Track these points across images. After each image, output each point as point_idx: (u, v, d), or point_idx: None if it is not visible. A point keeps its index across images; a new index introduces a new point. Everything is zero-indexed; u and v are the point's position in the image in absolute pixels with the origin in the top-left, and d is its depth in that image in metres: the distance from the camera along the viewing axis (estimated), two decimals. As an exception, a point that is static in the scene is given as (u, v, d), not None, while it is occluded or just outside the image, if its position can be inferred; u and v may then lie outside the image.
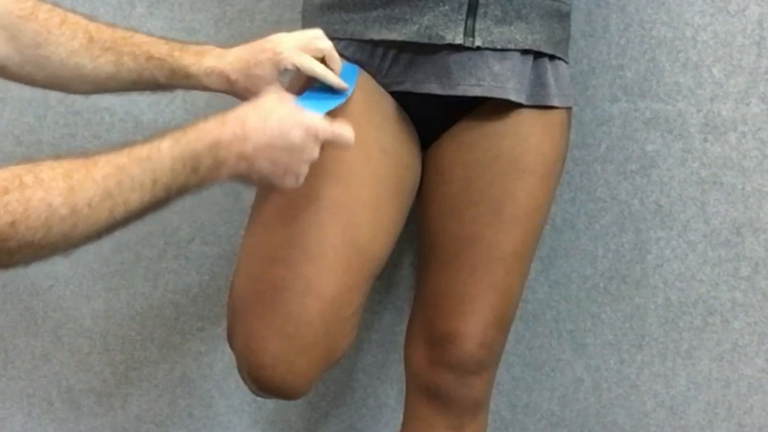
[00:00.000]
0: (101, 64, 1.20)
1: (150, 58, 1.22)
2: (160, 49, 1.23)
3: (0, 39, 1.17)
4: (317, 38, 1.26)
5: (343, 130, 1.15)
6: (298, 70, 1.25)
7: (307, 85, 1.27)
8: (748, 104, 1.57)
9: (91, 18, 1.23)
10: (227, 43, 1.67)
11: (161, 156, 1.02)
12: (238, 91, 1.23)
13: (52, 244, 0.95)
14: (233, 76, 1.23)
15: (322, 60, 1.26)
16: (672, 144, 1.60)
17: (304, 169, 1.13)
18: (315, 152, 1.13)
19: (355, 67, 1.33)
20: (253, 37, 1.67)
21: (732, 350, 1.63)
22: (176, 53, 1.23)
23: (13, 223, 0.91)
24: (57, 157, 0.98)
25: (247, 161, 1.08)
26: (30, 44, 1.18)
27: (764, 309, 1.61)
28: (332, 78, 1.25)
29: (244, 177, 1.10)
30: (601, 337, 1.68)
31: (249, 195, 1.39)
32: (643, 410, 1.68)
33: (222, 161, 1.06)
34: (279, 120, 1.09)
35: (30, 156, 1.73)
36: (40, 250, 0.95)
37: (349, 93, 1.29)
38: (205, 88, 1.25)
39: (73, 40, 1.19)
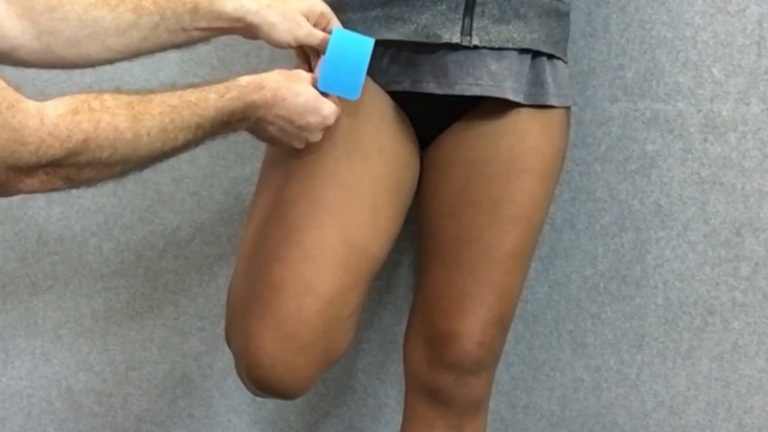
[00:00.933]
0: (120, 13, 1.18)
1: None
2: None
3: (12, 15, 1.15)
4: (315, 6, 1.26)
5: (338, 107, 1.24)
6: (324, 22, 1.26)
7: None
8: (748, 104, 1.57)
9: None
10: (227, 43, 1.68)
11: (207, 105, 1.11)
12: (272, 15, 1.21)
13: (114, 164, 1.05)
14: (266, 1, 1.21)
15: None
16: (672, 144, 1.60)
17: (301, 144, 1.24)
18: (318, 137, 1.23)
19: (370, 40, 1.25)
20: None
21: (732, 350, 1.63)
22: None
23: (85, 140, 1.00)
24: (117, 89, 1.08)
25: (264, 123, 1.19)
26: (45, 10, 1.16)
27: (764, 309, 1.61)
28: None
29: (253, 131, 1.21)
30: (601, 337, 1.68)
31: (249, 195, 1.39)
32: (643, 410, 1.67)
33: (247, 118, 1.17)
34: (305, 101, 1.19)
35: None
36: (105, 168, 1.04)
37: (363, 70, 1.24)
38: (234, 13, 1.20)
39: None
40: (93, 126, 1.01)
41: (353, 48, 1.24)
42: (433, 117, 1.38)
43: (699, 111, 1.59)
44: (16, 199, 1.73)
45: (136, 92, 1.08)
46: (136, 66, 1.69)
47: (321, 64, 1.23)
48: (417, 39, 1.29)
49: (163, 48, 1.23)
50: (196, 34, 1.22)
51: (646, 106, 1.61)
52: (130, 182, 1.73)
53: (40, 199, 1.74)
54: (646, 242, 1.63)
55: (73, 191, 1.73)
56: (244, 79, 1.16)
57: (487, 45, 1.30)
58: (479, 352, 1.37)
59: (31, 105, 0.98)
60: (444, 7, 1.28)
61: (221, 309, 1.35)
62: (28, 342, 1.81)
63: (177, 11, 1.20)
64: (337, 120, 1.25)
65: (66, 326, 1.80)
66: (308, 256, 1.24)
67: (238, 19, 1.21)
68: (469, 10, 1.29)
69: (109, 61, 1.22)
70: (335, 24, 1.26)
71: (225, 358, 1.75)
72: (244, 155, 1.70)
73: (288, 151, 1.28)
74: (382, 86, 1.34)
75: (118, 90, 1.07)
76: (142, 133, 1.05)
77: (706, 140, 1.59)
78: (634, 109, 1.61)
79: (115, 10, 1.18)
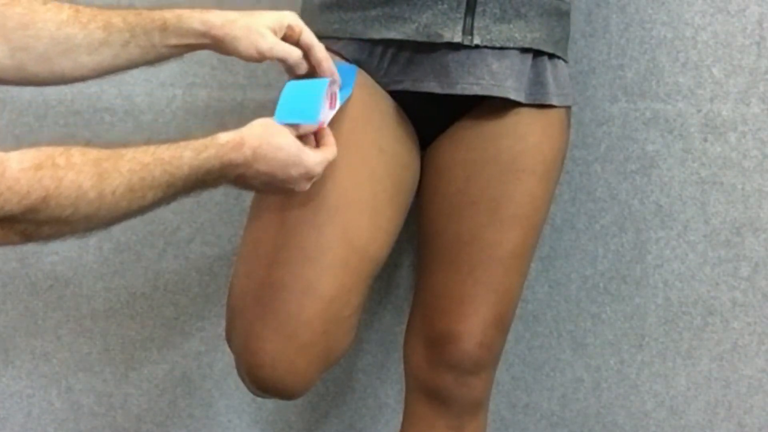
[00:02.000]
0: (91, 30, 1.17)
1: (139, 14, 1.20)
2: (151, 9, 1.21)
3: None
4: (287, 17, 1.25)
5: (333, 152, 1.22)
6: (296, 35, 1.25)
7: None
8: (748, 104, 1.57)
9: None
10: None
11: (181, 163, 1.08)
12: (237, 29, 1.21)
13: (75, 223, 1.01)
14: (232, 16, 1.21)
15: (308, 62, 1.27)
16: (672, 144, 1.60)
17: (288, 194, 1.22)
18: (305, 186, 1.20)
19: (354, 67, 1.33)
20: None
21: (732, 350, 1.63)
22: (166, 8, 1.22)
23: (45, 198, 0.97)
24: (87, 143, 1.04)
25: (245, 179, 1.16)
26: (17, 27, 1.16)
27: (764, 309, 1.61)
28: (324, 54, 1.24)
29: (235, 185, 1.18)
30: (601, 337, 1.68)
31: (249, 195, 1.39)
32: (643, 410, 1.68)
33: (225, 176, 1.14)
34: (286, 156, 1.16)
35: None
36: (64, 226, 1.01)
37: (348, 94, 1.29)
38: (201, 28, 1.21)
39: (59, 14, 1.17)
40: (55, 183, 0.98)
41: (309, 85, 1.24)
42: (433, 117, 1.38)
43: (699, 111, 1.59)
44: (16, 199, 1.73)
45: (108, 146, 1.05)
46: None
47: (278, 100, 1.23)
48: (418, 38, 1.29)
49: (136, 65, 1.23)
50: (165, 50, 1.22)
51: (646, 106, 1.61)
52: (83, 141, 1.73)
53: (40, 199, 1.74)
54: (646, 242, 1.63)
55: (73, 191, 1.74)
56: (223, 137, 1.13)
57: (488, 44, 1.30)
58: (479, 353, 1.37)
59: None
60: (445, 6, 1.28)
61: (221, 309, 1.35)
62: (28, 342, 1.81)
63: (146, 28, 1.20)
64: (338, 120, 1.26)
65: (66, 326, 1.80)
66: (308, 256, 1.24)
67: (204, 34, 1.21)
68: (470, 10, 1.29)
69: (83, 78, 1.22)
70: (306, 36, 1.24)
71: (225, 358, 1.75)
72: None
73: None
74: (383, 86, 1.34)
75: (88, 144, 1.04)
76: (107, 192, 1.02)
77: (706, 140, 1.59)
78: (634, 109, 1.61)
79: (86, 27, 1.17)
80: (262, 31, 1.21)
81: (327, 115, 1.23)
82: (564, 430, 1.72)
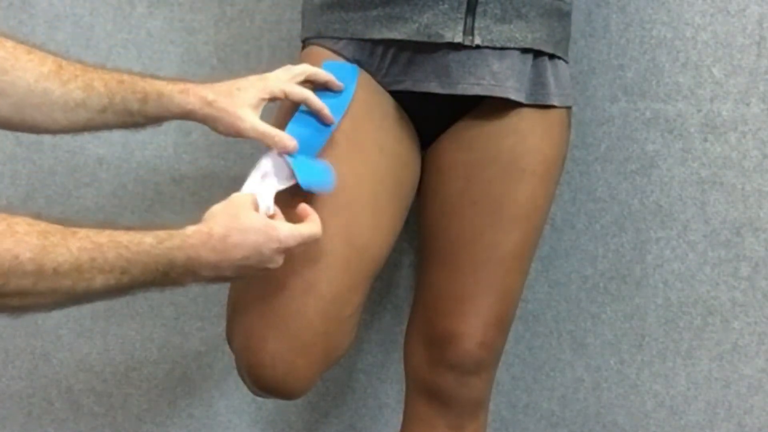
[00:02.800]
0: (70, 89, 1.15)
1: (121, 82, 1.18)
2: (133, 75, 1.20)
3: None
4: (291, 66, 1.28)
5: (309, 230, 1.16)
6: (285, 99, 1.25)
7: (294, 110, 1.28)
8: (748, 104, 1.57)
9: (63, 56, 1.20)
10: (227, 44, 1.68)
11: (140, 250, 1.02)
12: (215, 111, 1.21)
13: (6, 296, 0.94)
14: (210, 96, 1.20)
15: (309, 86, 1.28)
16: (672, 144, 1.60)
17: (263, 273, 1.15)
18: (280, 261, 1.15)
19: (355, 67, 1.33)
20: (253, 38, 1.68)
21: (732, 350, 1.63)
22: (149, 78, 1.21)
23: None
24: (38, 215, 0.98)
25: (217, 270, 1.10)
26: None
27: (764, 309, 1.61)
28: (319, 104, 1.25)
29: (204, 281, 1.11)
30: (601, 337, 1.68)
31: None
32: (643, 410, 1.68)
33: (193, 271, 1.08)
34: (255, 237, 1.11)
35: (30, 156, 1.74)
36: None
37: (350, 95, 1.30)
38: (180, 110, 1.21)
39: (41, 66, 1.14)
40: None
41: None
42: (434, 117, 1.38)
43: (699, 111, 1.59)
44: (15, 199, 1.73)
45: (65, 221, 0.99)
46: (136, 66, 1.70)
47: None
48: (419, 38, 1.29)
49: (110, 128, 1.21)
50: (142, 120, 1.21)
51: (646, 106, 1.61)
52: (131, 182, 1.73)
53: (39, 199, 1.74)
54: (646, 242, 1.63)
55: (73, 192, 1.74)
56: (189, 229, 1.08)
57: (489, 45, 1.30)
58: (480, 353, 1.37)
59: None
60: (446, 6, 1.28)
61: (221, 309, 1.34)
62: (28, 342, 1.81)
63: (126, 98, 1.18)
64: (339, 120, 1.26)
65: (66, 326, 1.80)
66: (309, 256, 1.23)
67: (183, 115, 1.21)
68: (471, 10, 1.29)
69: (53, 132, 1.19)
70: (295, 96, 1.24)
71: (225, 358, 1.75)
72: (244, 155, 1.70)
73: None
74: (384, 86, 1.34)
75: (38, 216, 0.98)
76: (48, 267, 0.94)
77: (706, 140, 1.59)
78: (634, 109, 1.61)
79: (65, 85, 1.15)
80: (240, 113, 1.20)
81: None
82: (564, 430, 1.72)
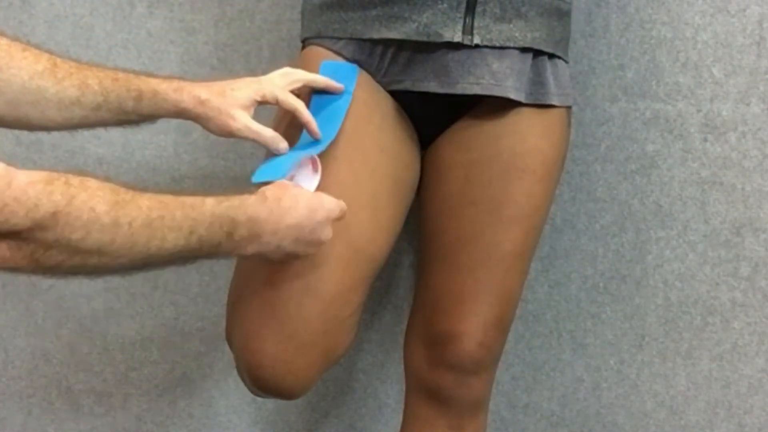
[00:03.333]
0: (65, 87, 1.16)
1: (116, 80, 1.19)
2: (128, 73, 1.21)
3: None
4: (290, 71, 1.29)
5: (343, 206, 1.20)
6: (276, 105, 1.27)
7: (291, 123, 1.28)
8: (748, 104, 1.57)
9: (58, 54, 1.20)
10: (227, 44, 1.68)
11: (204, 209, 1.05)
12: (208, 110, 1.22)
13: (86, 252, 0.95)
14: (204, 96, 1.22)
15: (308, 97, 1.29)
16: (672, 144, 1.60)
17: (315, 250, 1.18)
18: (330, 234, 1.18)
19: (355, 66, 1.33)
20: (253, 38, 1.68)
21: (732, 350, 1.63)
22: (143, 76, 1.22)
23: (54, 214, 0.91)
24: (106, 178, 0.99)
25: (277, 238, 1.12)
26: None
27: (764, 309, 1.61)
28: (308, 116, 1.25)
29: (268, 253, 1.13)
30: (601, 337, 1.68)
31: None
32: (643, 410, 1.68)
33: (256, 235, 1.10)
34: (307, 201, 1.14)
35: (30, 156, 1.74)
36: (74, 254, 0.94)
37: (349, 96, 1.30)
38: (174, 108, 1.22)
39: (36, 63, 1.14)
40: (66, 200, 0.91)
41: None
42: (433, 116, 1.38)
43: (699, 111, 1.59)
44: (16, 199, 1.73)
45: (125, 185, 1.00)
46: (136, 66, 1.70)
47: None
48: (418, 38, 1.29)
49: (105, 126, 1.22)
50: (136, 118, 1.22)
51: (646, 106, 1.61)
52: (130, 182, 1.73)
53: (40, 199, 1.74)
54: (646, 242, 1.63)
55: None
56: (248, 191, 1.11)
57: (489, 44, 1.30)
58: (479, 352, 1.37)
59: (0, 167, 0.90)
60: (445, 6, 1.28)
61: (221, 309, 1.34)
62: (28, 342, 1.81)
63: (121, 96, 1.18)
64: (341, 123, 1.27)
65: (66, 326, 1.80)
66: (308, 256, 1.23)
67: (177, 113, 1.22)
68: (470, 9, 1.29)
69: (49, 130, 1.20)
70: (286, 103, 1.25)
71: (225, 358, 1.75)
72: (244, 155, 1.70)
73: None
74: (383, 85, 1.34)
75: (107, 179, 0.98)
76: (123, 221, 0.96)
77: (706, 140, 1.59)
78: (634, 109, 1.61)
79: (60, 83, 1.15)
80: (233, 112, 1.22)
81: (312, 180, 1.23)
82: (564, 430, 1.72)
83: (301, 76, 1.29)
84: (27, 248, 0.92)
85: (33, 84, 1.14)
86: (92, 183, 0.95)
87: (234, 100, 1.23)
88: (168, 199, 1.02)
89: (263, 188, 1.14)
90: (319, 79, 1.30)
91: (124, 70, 1.21)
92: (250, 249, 1.11)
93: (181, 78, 1.25)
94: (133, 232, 0.97)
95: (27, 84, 1.14)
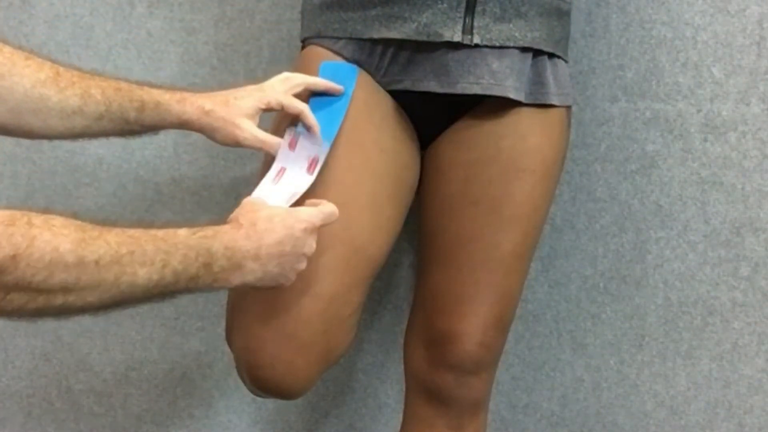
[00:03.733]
0: (67, 96, 1.15)
1: (119, 90, 1.18)
2: (130, 83, 1.21)
3: None
4: (290, 76, 1.29)
5: (329, 208, 1.17)
6: (281, 110, 1.27)
7: (291, 123, 1.28)
8: (748, 104, 1.57)
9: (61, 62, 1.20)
10: (227, 44, 1.68)
11: (176, 241, 1.02)
12: (213, 121, 1.22)
13: (49, 292, 0.92)
14: (208, 106, 1.22)
15: (307, 99, 1.29)
16: (672, 144, 1.60)
17: (303, 265, 1.15)
18: (313, 245, 1.15)
19: (355, 67, 1.33)
20: (253, 38, 1.68)
21: (732, 350, 1.63)
22: (147, 87, 1.21)
23: (14, 257, 0.87)
24: (74, 214, 0.97)
25: (260, 264, 1.09)
26: None
27: (764, 309, 1.61)
28: (312, 120, 1.25)
29: (256, 282, 1.10)
30: (601, 337, 1.68)
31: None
32: (643, 410, 1.67)
33: (237, 265, 1.07)
34: (282, 218, 1.11)
35: (30, 156, 1.74)
36: (37, 295, 0.91)
37: (348, 97, 1.30)
38: (177, 119, 1.22)
39: (39, 72, 1.14)
40: (27, 242, 0.88)
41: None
42: (433, 116, 1.38)
43: (699, 111, 1.59)
44: (15, 199, 1.73)
45: (92, 221, 0.97)
46: (136, 66, 1.70)
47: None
48: (418, 38, 1.29)
49: (107, 136, 1.21)
50: (139, 128, 1.22)
51: (646, 106, 1.61)
52: (130, 182, 1.73)
53: (39, 199, 1.74)
54: (646, 242, 1.63)
55: (73, 192, 1.74)
56: (219, 223, 1.09)
57: (488, 44, 1.30)
58: (479, 353, 1.37)
59: None
60: (445, 5, 1.28)
61: (221, 309, 1.35)
62: (28, 342, 1.81)
63: (123, 106, 1.18)
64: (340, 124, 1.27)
65: (66, 326, 1.80)
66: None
67: (181, 125, 1.22)
68: (470, 9, 1.29)
69: (51, 138, 1.19)
70: (291, 107, 1.25)
71: (225, 358, 1.75)
72: (244, 155, 1.70)
73: None
74: (383, 85, 1.34)
75: (73, 215, 0.95)
76: (89, 259, 0.92)
77: (706, 140, 1.59)
78: (634, 109, 1.61)
79: (62, 92, 1.15)
80: (238, 121, 1.22)
81: (305, 180, 1.22)
82: (564, 430, 1.72)
83: (301, 80, 1.29)
84: None
85: (35, 92, 1.14)
86: (57, 221, 0.92)
87: (238, 109, 1.23)
88: (138, 233, 0.99)
89: (235, 215, 1.11)
90: (320, 83, 1.30)
91: (127, 80, 1.21)
92: (234, 280, 1.08)
93: (184, 89, 1.24)
94: (100, 270, 0.94)
95: (29, 92, 1.13)
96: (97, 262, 0.93)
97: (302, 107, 1.25)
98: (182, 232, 1.03)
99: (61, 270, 0.91)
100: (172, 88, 1.24)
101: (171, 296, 1.04)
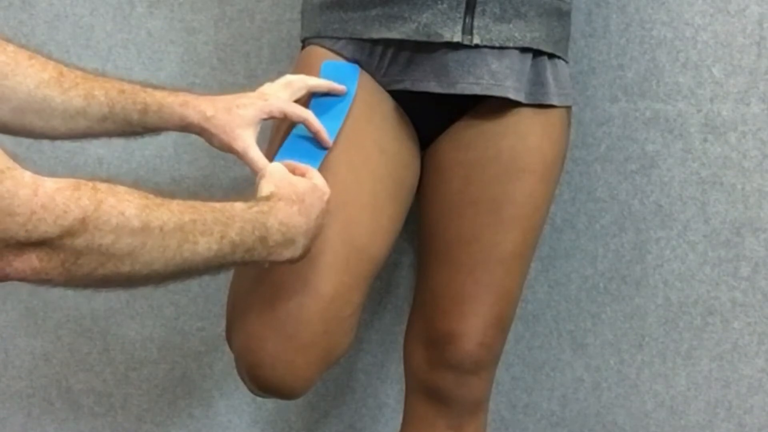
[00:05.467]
0: (71, 97, 1.16)
1: (122, 91, 1.19)
2: (134, 85, 1.21)
3: None
4: (292, 80, 1.29)
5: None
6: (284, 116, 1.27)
7: (291, 128, 1.29)
8: (748, 104, 1.57)
9: (64, 62, 1.20)
10: (227, 44, 1.68)
11: (233, 213, 1.03)
12: (212, 127, 1.23)
13: (118, 257, 0.92)
14: (210, 112, 1.22)
15: (310, 99, 1.30)
16: (672, 144, 1.60)
17: (316, 239, 1.16)
18: (328, 210, 1.17)
19: (356, 66, 1.33)
20: (253, 38, 1.68)
21: (732, 350, 1.63)
22: (150, 89, 1.22)
23: (83, 220, 0.89)
24: (135, 183, 0.98)
25: (308, 239, 1.12)
26: None
27: (764, 309, 1.61)
28: (317, 126, 1.26)
29: (298, 258, 1.13)
30: (601, 337, 1.68)
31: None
32: (643, 410, 1.68)
33: (291, 240, 1.09)
34: (313, 192, 1.13)
35: (30, 156, 1.74)
36: (106, 260, 0.92)
37: (351, 97, 1.30)
38: (179, 123, 1.23)
39: (42, 72, 1.14)
40: (94, 205, 0.89)
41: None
42: (433, 116, 1.38)
43: (699, 111, 1.59)
44: (16, 199, 1.73)
45: (155, 190, 0.98)
46: (136, 66, 1.70)
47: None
48: (418, 38, 1.29)
49: (109, 136, 1.22)
50: (141, 130, 1.22)
51: (646, 106, 1.61)
52: (130, 182, 1.73)
53: (40, 199, 1.74)
54: (646, 242, 1.63)
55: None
56: (263, 196, 1.10)
57: (488, 44, 1.30)
58: (479, 353, 1.37)
59: (27, 175, 0.88)
60: (445, 5, 1.28)
61: (221, 309, 1.35)
62: (28, 342, 1.81)
63: (126, 108, 1.18)
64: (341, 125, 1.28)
65: (66, 326, 1.80)
66: (308, 256, 1.23)
67: (182, 128, 1.23)
68: (469, 9, 1.29)
69: (51, 138, 1.19)
70: (294, 115, 1.26)
71: (225, 358, 1.75)
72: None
73: None
74: (383, 85, 1.34)
75: (135, 183, 0.97)
76: (154, 225, 0.94)
77: (706, 140, 1.59)
78: (634, 109, 1.61)
79: (66, 93, 1.15)
80: (238, 132, 1.23)
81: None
82: (564, 430, 1.72)
83: (303, 84, 1.29)
84: (57, 258, 0.89)
85: (39, 93, 1.14)
86: (120, 188, 0.94)
87: (240, 118, 1.23)
88: (197, 204, 1.00)
89: (275, 188, 1.12)
90: (322, 84, 1.30)
91: (131, 82, 1.22)
92: (286, 254, 1.10)
93: (188, 91, 1.25)
94: (164, 236, 0.95)
95: (33, 92, 1.14)
96: (161, 228, 0.94)
97: (306, 115, 1.25)
98: (239, 205, 1.05)
99: (127, 234, 0.92)
100: (175, 90, 1.24)
101: (228, 267, 1.07)
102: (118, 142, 1.71)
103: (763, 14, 1.55)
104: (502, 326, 1.40)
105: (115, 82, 1.20)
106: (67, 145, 1.72)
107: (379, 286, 1.71)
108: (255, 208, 1.06)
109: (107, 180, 0.94)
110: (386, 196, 1.32)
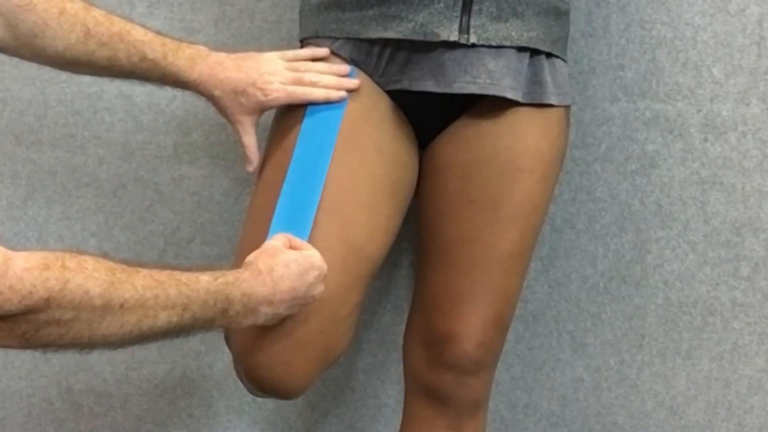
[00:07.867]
0: (96, 58, 1.24)
1: (144, 59, 1.26)
2: (155, 51, 1.27)
3: None
4: (299, 53, 1.35)
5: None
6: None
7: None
8: (748, 104, 1.57)
9: (89, 7, 1.26)
10: (227, 44, 1.68)
11: (198, 287, 1.06)
12: (218, 106, 1.32)
13: (76, 330, 0.96)
14: (217, 93, 1.30)
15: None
16: (672, 144, 1.60)
17: (309, 304, 1.20)
18: (322, 288, 1.19)
19: (352, 68, 1.33)
20: (253, 38, 1.68)
21: (732, 350, 1.63)
22: (170, 57, 1.28)
23: (48, 300, 0.92)
24: (104, 255, 1.02)
25: (273, 308, 1.14)
26: (27, 34, 1.21)
27: (764, 309, 1.60)
28: (322, 94, 1.30)
29: (265, 323, 1.16)
30: (601, 337, 1.68)
31: (248, 195, 1.39)
32: (643, 410, 1.67)
33: (252, 310, 1.12)
34: (298, 264, 1.15)
35: (30, 156, 1.74)
36: (66, 332, 0.96)
37: (345, 101, 1.30)
38: (192, 91, 1.32)
39: (70, 33, 1.21)
40: (60, 285, 0.93)
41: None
42: (431, 116, 1.38)
43: (699, 111, 1.59)
44: (16, 198, 1.73)
45: (124, 261, 1.03)
46: (136, 66, 1.69)
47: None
48: (414, 37, 1.29)
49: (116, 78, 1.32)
50: (154, 86, 1.36)
51: (646, 106, 1.61)
52: (130, 182, 1.73)
53: (40, 199, 1.74)
54: (646, 242, 1.63)
55: (73, 192, 1.74)
56: (240, 270, 1.13)
57: (485, 43, 1.30)
58: (478, 353, 1.37)
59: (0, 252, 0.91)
60: (441, 5, 1.28)
61: (221, 309, 1.34)
62: (28, 342, 1.81)
63: (147, 75, 1.30)
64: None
65: (66, 326, 1.79)
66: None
67: (193, 92, 1.33)
68: (466, 8, 1.29)
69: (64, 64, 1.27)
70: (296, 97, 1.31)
71: (225, 358, 1.75)
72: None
73: (287, 151, 1.29)
74: (380, 85, 1.34)
75: (104, 255, 1.01)
76: (115, 303, 0.97)
77: (706, 140, 1.59)
78: (634, 109, 1.61)
79: (91, 55, 1.25)
80: (237, 117, 1.32)
81: None
82: (564, 430, 1.72)
83: (299, 61, 1.34)
84: (18, 329, 0.93)
85: (66, 55, 1.24)
86: (89, 264, 0.97)
87: (242, 107, 1.31)
88: (163, 276, 1.03)
89: (254, 258, 1.15)
90: (305, 53, 1.35)
91: (152, 41, 1.28)
92: (247, 322, 1.13)
93: (206, 52, 1.32)
94: (124, 312, 0.98)
95: (61, 54, 1.23)
96: (122, 306, 0.98)
97: (313, 93, 1.31)
98: (205, 277, 1.07)
99: (88, 311, 0.95)
100: (193, 53, 1.30)
101: (185, 335, 1.11)
102: (118, 142, 1.71)
103: (763, 14, 1.55)
104: (501, 326, 1.40)
105: (138, 44, 1.26)
106: (68, 145, 1.72)
107: (379, 286, 1.71)
108: (220, 279, 1.08)
109: (79, 253, 0.97)
110: (384, 197, 1.32)
